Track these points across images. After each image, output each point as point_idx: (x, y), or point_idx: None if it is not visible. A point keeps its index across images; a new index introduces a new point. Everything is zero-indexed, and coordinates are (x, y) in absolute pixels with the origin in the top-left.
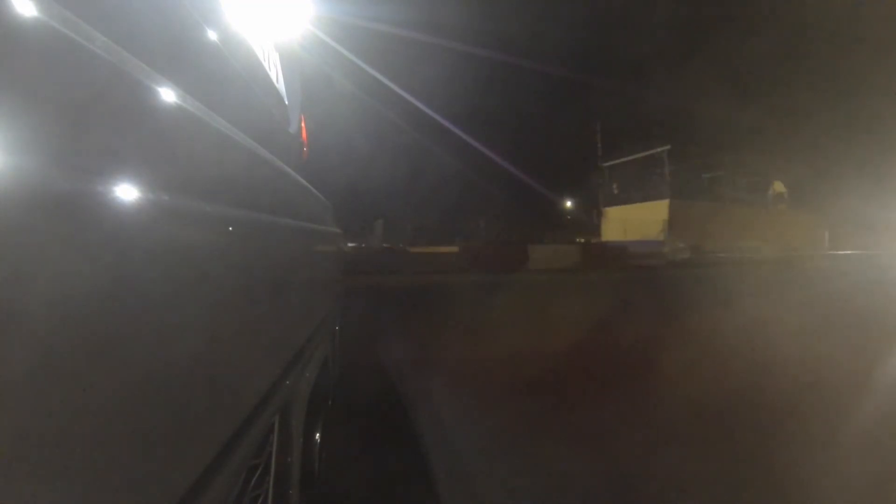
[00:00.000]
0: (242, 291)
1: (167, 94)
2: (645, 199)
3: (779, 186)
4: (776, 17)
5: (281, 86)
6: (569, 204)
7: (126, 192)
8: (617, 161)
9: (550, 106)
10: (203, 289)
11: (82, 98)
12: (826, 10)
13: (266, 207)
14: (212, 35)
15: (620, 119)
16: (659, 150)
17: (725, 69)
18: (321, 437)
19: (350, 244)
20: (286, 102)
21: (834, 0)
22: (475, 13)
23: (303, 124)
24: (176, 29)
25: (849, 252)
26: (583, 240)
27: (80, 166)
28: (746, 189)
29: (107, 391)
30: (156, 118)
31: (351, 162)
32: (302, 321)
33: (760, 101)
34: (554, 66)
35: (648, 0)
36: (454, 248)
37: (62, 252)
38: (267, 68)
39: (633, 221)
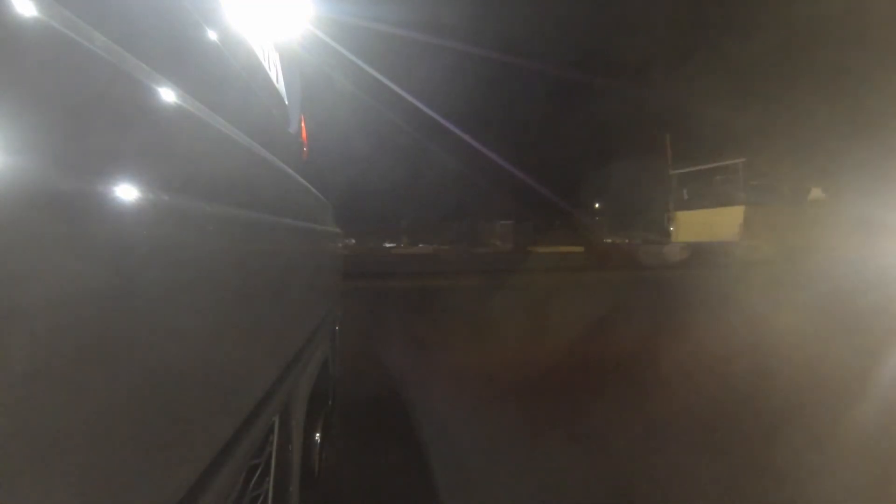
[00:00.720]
0: (242, 291)
1: (167, 94)
2: (718, 204)
3: (816, 192)
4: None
5: (281, 86)
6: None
7: (126, 192)
8: (688, 170)
9: (621, 117)
10: (203, 289)
11: (82, 98)
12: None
13: (266, 207)
14: (212, 35)
15: (688, 131)
16: (734, 161)
17: (793, 89)
18: (321, 437)
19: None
20: (286, 102)
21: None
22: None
23: (303, 124)
24: (176, 29)
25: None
26: (655, 240)
27: (80, 166)
28: (793, 194)
29: (107, 391)
30: (156, 118)
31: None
32: (302, 321)
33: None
34: (612, 76)
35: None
36: (578, 248)
37: (62, 252)
38: (267, 68)
39: (707, 225)
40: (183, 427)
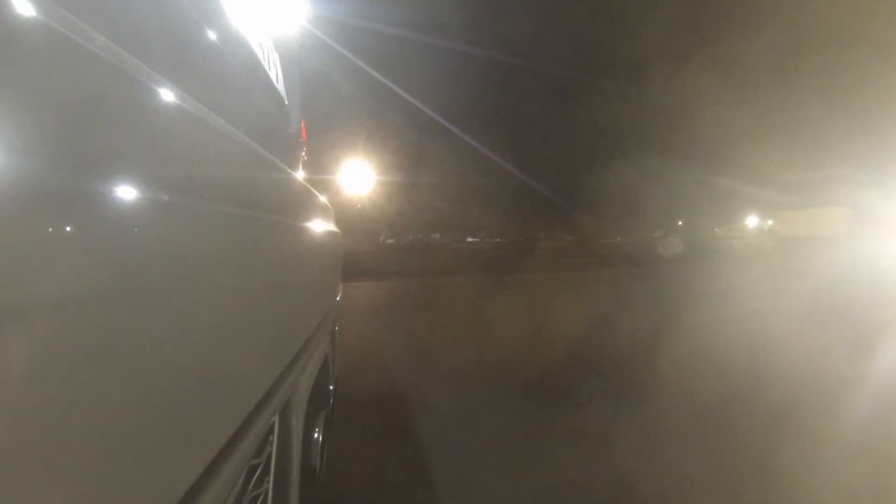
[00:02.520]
0: (242, 291)
1: (167, 94)
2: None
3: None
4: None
5: (281, 86)
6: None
7: (126, 192)
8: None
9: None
10: (203, 289)
11: (82, 98)
12: None
13: (266, 207)
14: (212, 35)
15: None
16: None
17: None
18: (322, 436)
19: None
20: (286, 102)
21: None
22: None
23: (303, 124)
24: (176, 29)
25: None
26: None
27: (80, 166)
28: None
29: (107, 391)
30: (156, 118)
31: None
32: (302, 321)
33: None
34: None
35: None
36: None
37: (62, 252)
38: (267, 68)
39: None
40: (183, 427)
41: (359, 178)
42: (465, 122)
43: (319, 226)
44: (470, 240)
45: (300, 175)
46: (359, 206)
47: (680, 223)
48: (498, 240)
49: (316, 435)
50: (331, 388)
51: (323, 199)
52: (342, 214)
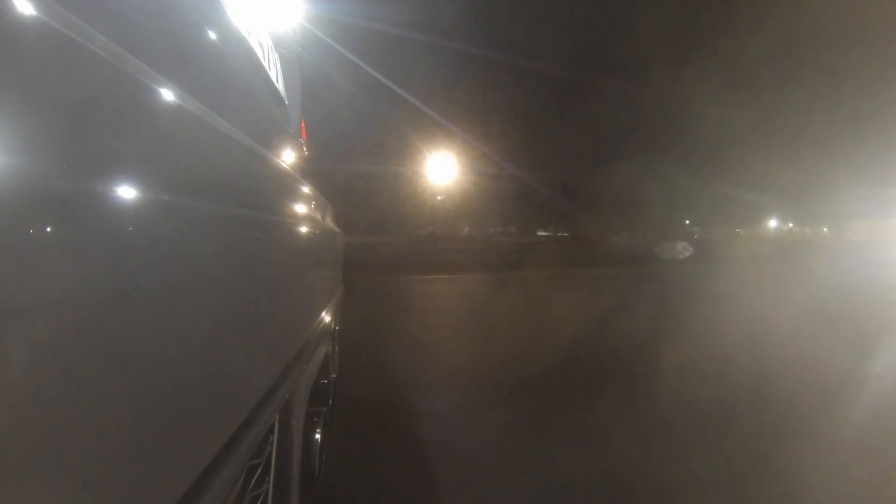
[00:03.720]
0: (242, 291)
1: (167, 94)
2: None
3: None
4: None
5: (281, 86)
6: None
7: (126, 192)
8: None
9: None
10: (203, 288)
11: (82, 98)
12: None
13: (266, 207)
14: (212, 35)
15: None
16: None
17: None
18: (321, 436)
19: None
20: (286, 102)
21: None
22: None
23: (303, 124)
24: (176, 29)
25: None
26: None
27: (80, 166)
28: None
29: (107, 391)
30: (156, 118)
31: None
32: (302, 321)
33: None
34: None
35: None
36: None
37: (62, 252)
38: (267, 68)
39: (876, 230)
40: (183, 427)
41: (442, 171)
42: (540, 121)
43: (319, 225)
44: (541, 233)
45: (298, 174)
46: (438, 198)
47: (782, 223)
48: (565, 234)
49: (316, 435)
50: (331, 388)
51: (322, 198)
52: (424, 206)
